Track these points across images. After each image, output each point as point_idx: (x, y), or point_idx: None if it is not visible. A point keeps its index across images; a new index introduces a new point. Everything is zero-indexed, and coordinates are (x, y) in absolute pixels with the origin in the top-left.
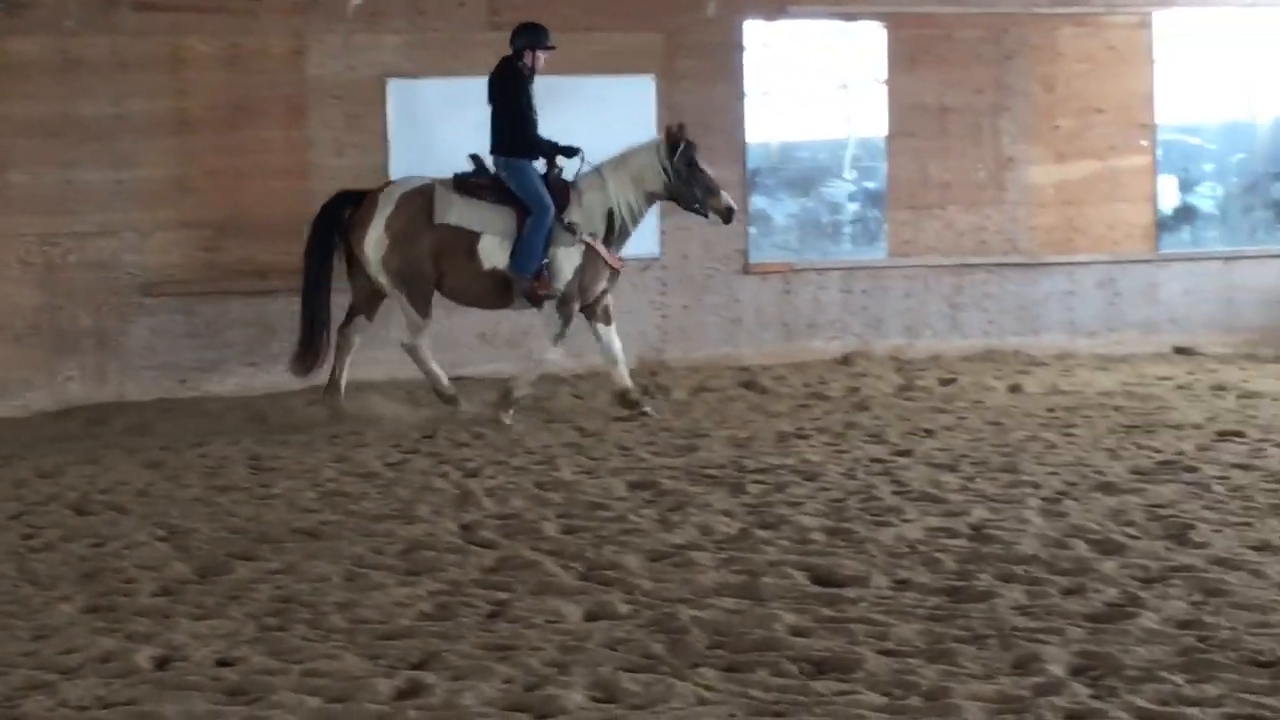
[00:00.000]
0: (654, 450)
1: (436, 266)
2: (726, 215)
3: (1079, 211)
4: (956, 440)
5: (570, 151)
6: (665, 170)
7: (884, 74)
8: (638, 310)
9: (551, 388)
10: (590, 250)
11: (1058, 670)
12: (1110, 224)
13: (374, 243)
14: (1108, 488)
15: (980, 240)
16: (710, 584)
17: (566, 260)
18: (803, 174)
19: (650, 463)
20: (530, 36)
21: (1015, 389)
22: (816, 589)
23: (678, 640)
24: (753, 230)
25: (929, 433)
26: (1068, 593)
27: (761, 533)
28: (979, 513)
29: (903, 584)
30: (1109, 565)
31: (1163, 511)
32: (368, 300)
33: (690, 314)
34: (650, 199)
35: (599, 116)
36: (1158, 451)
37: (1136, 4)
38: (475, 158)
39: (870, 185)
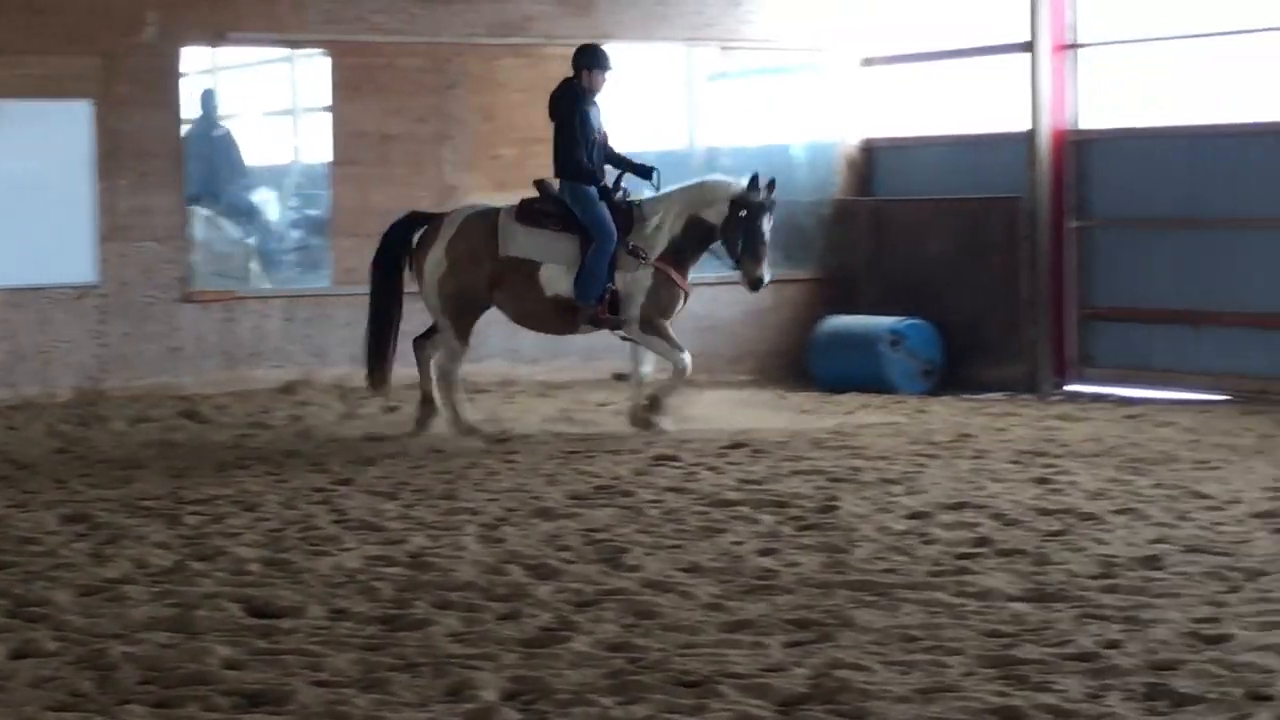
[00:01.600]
0: (90, 482)
1: (494, 295)
2: (754, 284)
3: None
4: (398, 468)
5: (644, 171)
6: (730, 213)
7: (327, 101)
8: (76, 339)
9: None
10: (660, 272)
11: (490, 696)
12: None
13: (433, 265)
14: (545, 513)
15: None
16: (142, 618)
17: (635, 285)
18: (246, 201)
19: (85, 495)
20: (588, 57)
21: None
22: (252, 621)
23: (106, 677)
24: (194, 257)
25: (371, 461)
26: (503, 618)
27: (197, 565)
28: (418, 540)
29: (339, 614)
30: (544, 590)
31: (598, 536)
32: None
33: (130, 342)
34: (697, 229)
35: (34, 142)
36: (595, 476)
37: (575, 37)
38: (540, 183)
39: (314, 213)
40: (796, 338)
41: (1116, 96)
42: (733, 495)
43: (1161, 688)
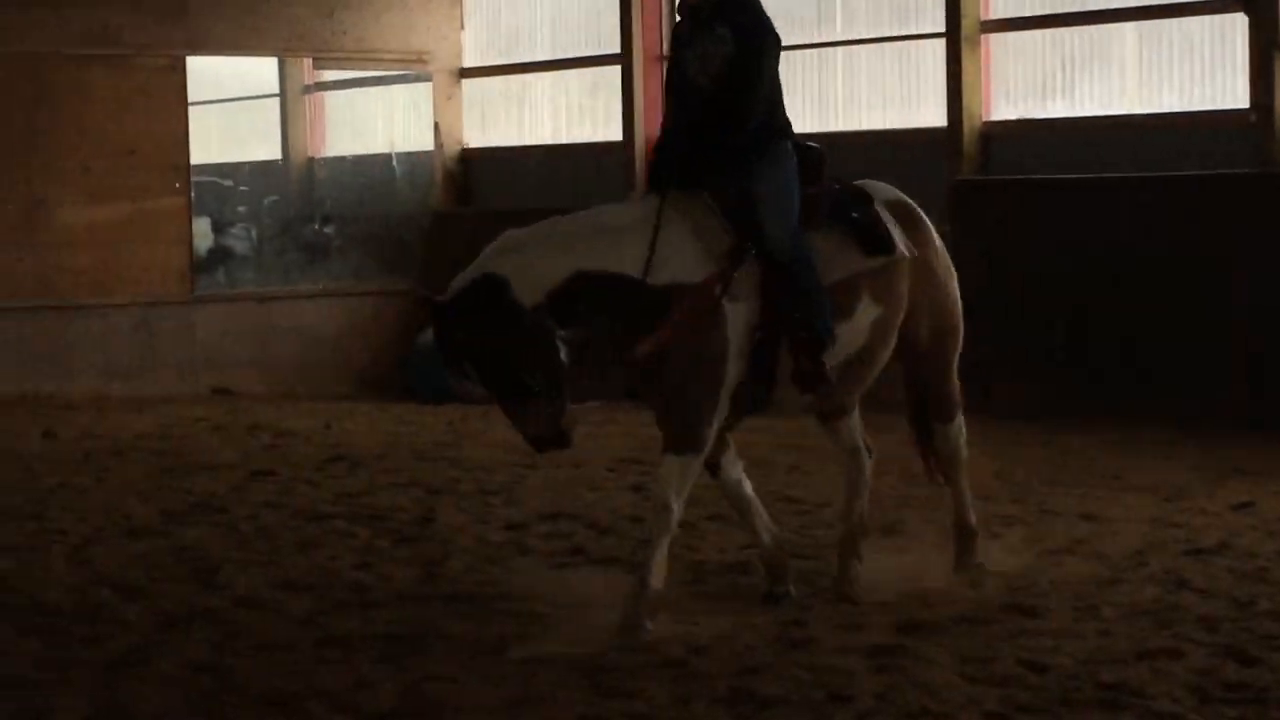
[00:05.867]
0: None
1: None
2: None
3: (114, 254)
4: None
5: None
6: None
7: None
8: None
9: None
10: None
11: None
12: (146, 266)
13: None
14: (136, 532)
15: (14, 283)
16: None
17: None
18: None
19: None
20: None
21: (49, 434)
22: None
23: None
24: None
25: None
26: (86, 641)
27: None
28: (1, 562)
29: None
30: (131, 611)
31: (190, 553)
32: None
33: None
34: None
35: None
36: (190, 493)
37: (168, 47)
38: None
39: None
40: (398, 350)
41: None
42: (328, 509)
43: (744, 691)
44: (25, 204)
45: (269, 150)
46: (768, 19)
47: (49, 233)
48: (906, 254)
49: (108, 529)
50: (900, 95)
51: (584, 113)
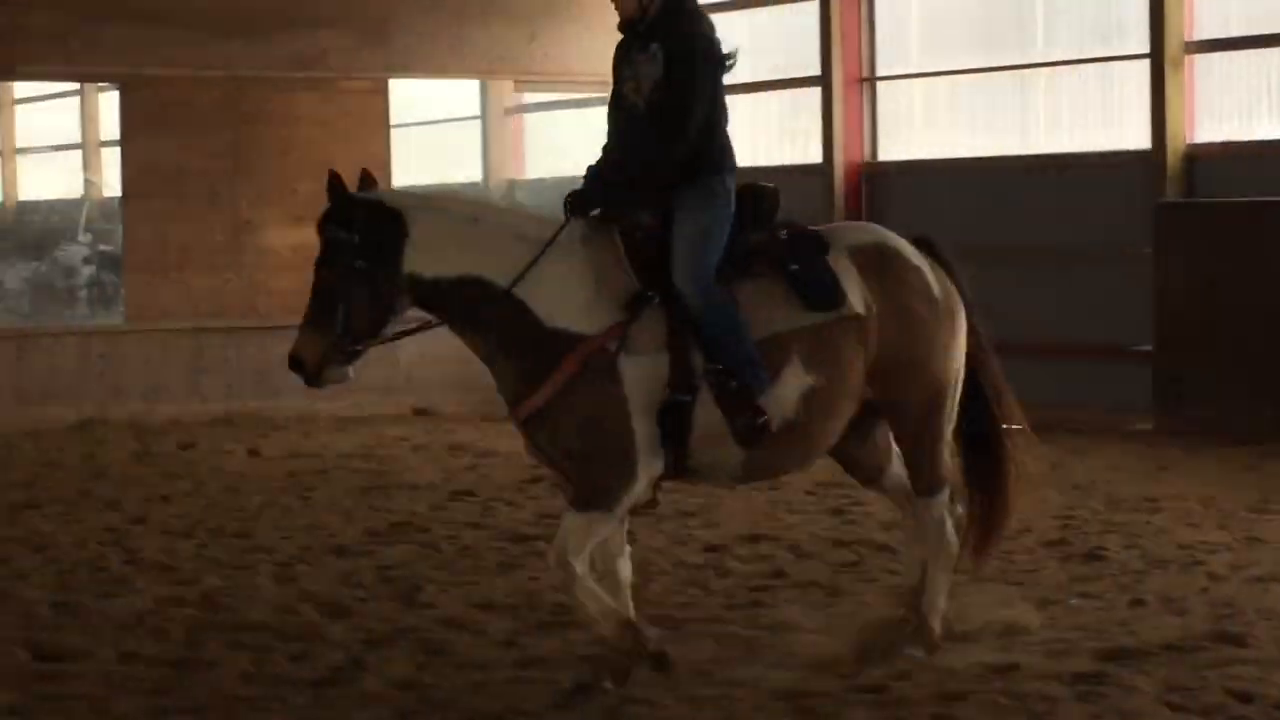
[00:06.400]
0: None
1: None
2: None
3: None
4: (193, 506)
5: None
6: None
7: (119, 135)
8: None
9: None
10: None
11: None
12: None
13: None
14: (341, 551)
15: (221, 303)
16: None
17: None
18: (36, 236)
19: None
20: None
21: (254, 453)
22: (38, 665)
23: None
24: None
25: (165, 499)
26: (294, 659)
27: None
28: (210, 580)
29: (129, 657)
30: (337, 629)
31: (393, 573)
32: None
33: None
34: None
35: None
36: (392, 513)
37: (371, 70)
38: None
39: (107, 248)
40: None
41: (909, 129)
42: (530, 530)
43: (947, 718)
44: (232, 226)
45: (469, 172)
46: (707, 36)
47: (255, 254)
48: (860, 310)
49: (313, 547)
50: (1103, 117)
51: (784, 135)
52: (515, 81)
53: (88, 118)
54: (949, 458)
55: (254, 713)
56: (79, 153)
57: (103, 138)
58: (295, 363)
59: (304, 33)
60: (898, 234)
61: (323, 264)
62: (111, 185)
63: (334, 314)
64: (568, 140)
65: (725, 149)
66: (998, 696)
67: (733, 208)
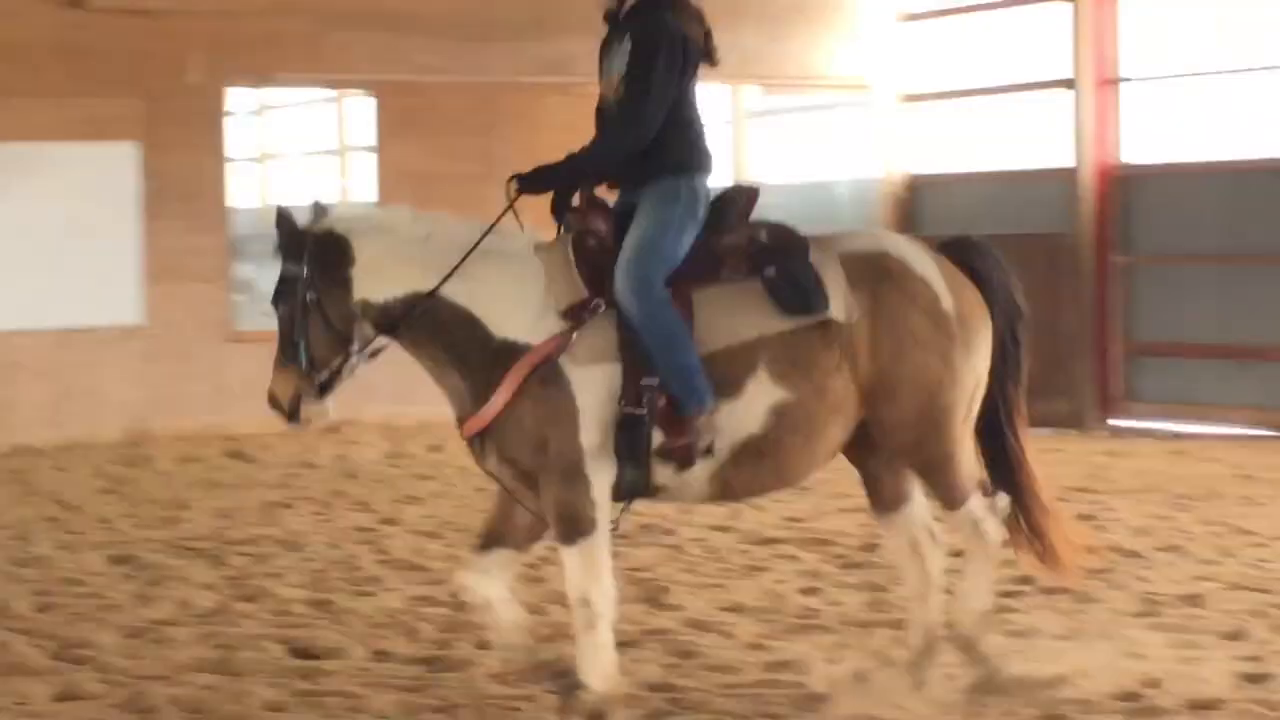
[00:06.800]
0: (136, 523)
1: None
2: None
3: None
4: (442, 507)
5: None
6: None
7: (373, 141)
8: (122, 379)
9: (33, 460)
10: None
11: None
12: None
13: None
14: None
15: None
16: (186, 660)
17: None
18: None
19: (131, 536)
20: None
21: None
22: (295, 662)
23: (149, 719)
24: (240, 297)
25: (415, 500)
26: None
27: (241, 606)
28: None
29: (382, 655)
30: None
31: (641, 575)
32: None
33: (176, 383)
34: None
35: (81, 184)
36: (639, 515)
37: None
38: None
39: None
40: None
41: (1160, 132)
42: (775, 533)
43: None
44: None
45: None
46: (675, 26)
47: None
48: (840, 316)
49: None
50: None
51: (1033, 139)
52: (762, 84)
53: (340, 125)
54: (969, 468)
55: (504, 712)
56: (331, 158)
57: (356, 144)
58: (273, 402)
59: (554, 38)
60: (951, 237)
61: (277, 300)
62: (363, 191)
63: (297, 350)
64: (812, 143)
65: (696, 148)
66: (1253, 706)
67: (699, 211)
